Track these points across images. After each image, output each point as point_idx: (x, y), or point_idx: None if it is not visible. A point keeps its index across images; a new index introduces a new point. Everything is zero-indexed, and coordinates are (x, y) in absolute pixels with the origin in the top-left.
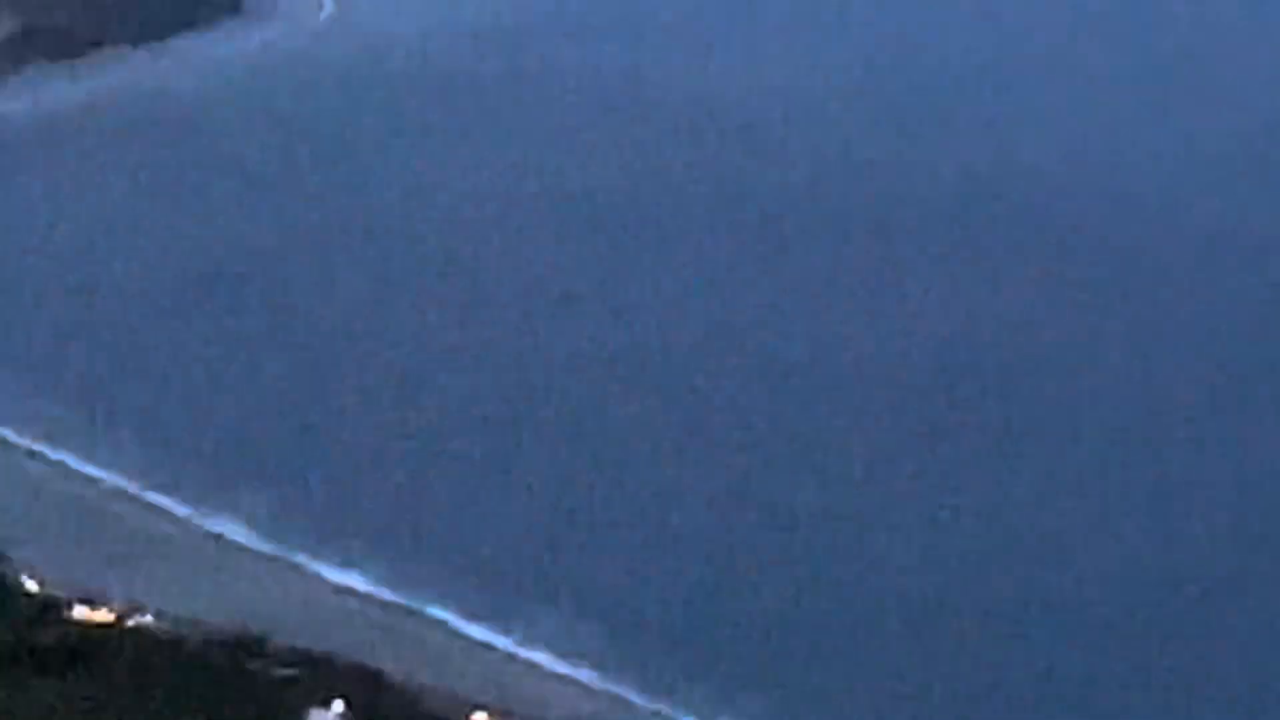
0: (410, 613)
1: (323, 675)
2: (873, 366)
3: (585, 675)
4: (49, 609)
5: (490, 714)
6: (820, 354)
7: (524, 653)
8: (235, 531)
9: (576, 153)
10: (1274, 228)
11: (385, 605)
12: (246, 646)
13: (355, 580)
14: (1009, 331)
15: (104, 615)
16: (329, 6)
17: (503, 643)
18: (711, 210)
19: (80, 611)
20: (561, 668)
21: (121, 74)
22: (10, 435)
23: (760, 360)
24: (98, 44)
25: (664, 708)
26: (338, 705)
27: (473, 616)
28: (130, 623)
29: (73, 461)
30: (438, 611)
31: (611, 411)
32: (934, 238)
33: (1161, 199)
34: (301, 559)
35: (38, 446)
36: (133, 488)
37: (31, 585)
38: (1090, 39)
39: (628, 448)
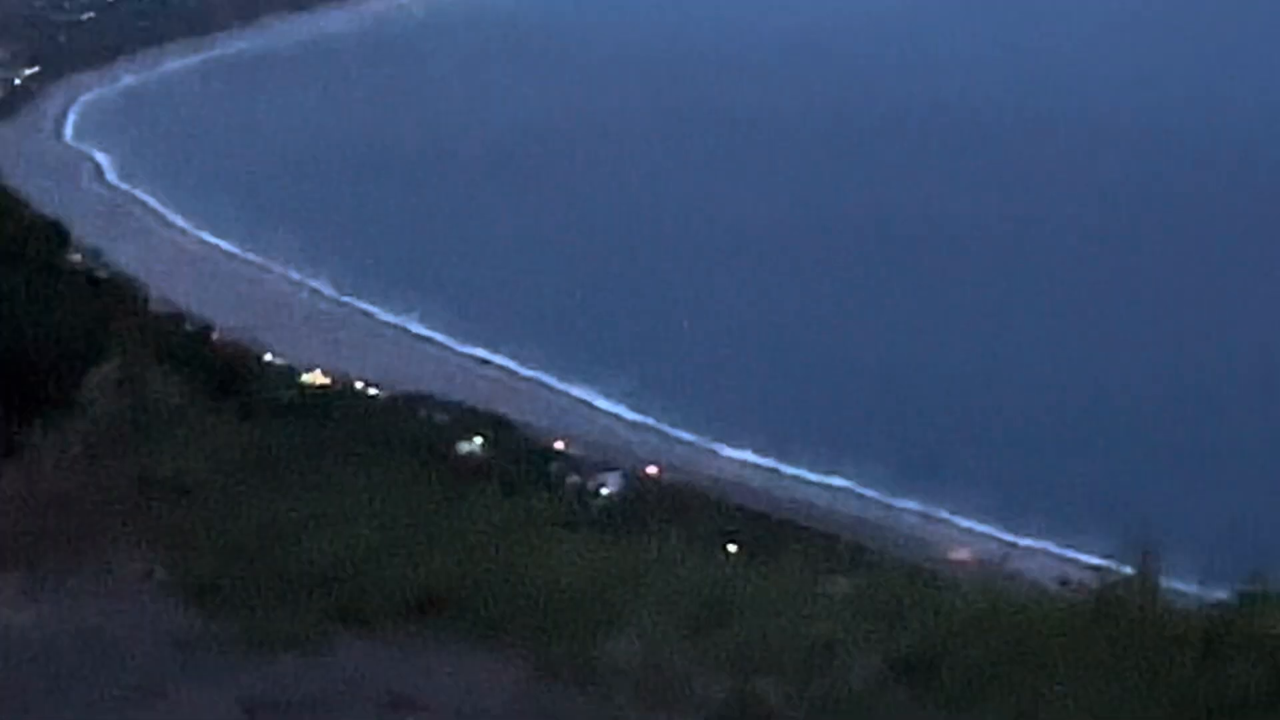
0: (527, 378)
1: (469, 420)
2: None
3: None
4: (285, 374)
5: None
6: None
7: (605, 404)
8: (418, 326)
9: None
10: None
11: (512, 373)
12: (417, 400)
13: (493, 357)
14: None
15: (325, 379)
16: None
17: (591, 396)
18: None
19: (308, 377)
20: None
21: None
22: (269, 262)
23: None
24: None
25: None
26: (477, 440)
27: (569, 378)
28: (341, 385)
29: (309, 279)
30: (543, 375)
31: None
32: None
33: None
34: (452, 342)
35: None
36: (354, 300)
37: (276, 360)
38: None
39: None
